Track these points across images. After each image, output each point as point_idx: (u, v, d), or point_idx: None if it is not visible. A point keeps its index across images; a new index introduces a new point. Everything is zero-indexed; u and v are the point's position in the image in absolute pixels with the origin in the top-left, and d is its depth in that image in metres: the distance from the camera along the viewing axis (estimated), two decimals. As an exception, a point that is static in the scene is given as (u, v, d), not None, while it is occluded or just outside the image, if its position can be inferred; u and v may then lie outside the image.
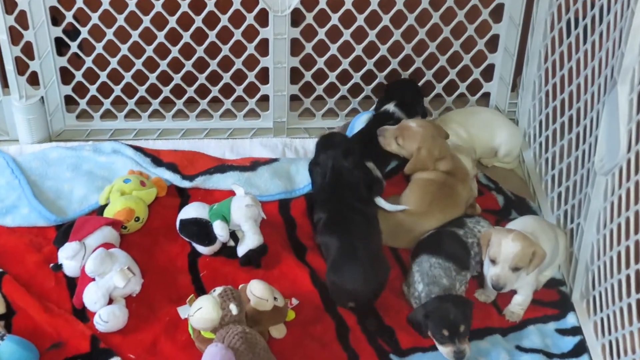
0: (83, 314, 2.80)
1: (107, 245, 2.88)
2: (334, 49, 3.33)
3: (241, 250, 2.94)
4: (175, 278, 2.95)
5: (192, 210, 3.01)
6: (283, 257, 2.98)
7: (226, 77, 3.41)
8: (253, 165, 3.32)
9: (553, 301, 2.92)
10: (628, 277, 2.45)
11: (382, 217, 2.97)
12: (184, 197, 3.26)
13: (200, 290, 2.88)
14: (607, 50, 2.63)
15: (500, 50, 3.38)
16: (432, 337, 2.62)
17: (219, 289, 2.64)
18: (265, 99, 3.47)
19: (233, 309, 2.56)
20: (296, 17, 3.27)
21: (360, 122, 3.38)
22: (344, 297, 2.77)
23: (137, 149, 3.42)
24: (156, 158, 3.38)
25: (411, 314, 2.68)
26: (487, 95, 3.54)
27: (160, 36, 3.28)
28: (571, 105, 2.99)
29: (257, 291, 2.68)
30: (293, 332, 2.75)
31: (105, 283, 2.77)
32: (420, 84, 3.44)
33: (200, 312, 2.60)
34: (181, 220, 3.00)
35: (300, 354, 2.69)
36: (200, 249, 2.99)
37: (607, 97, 2.54)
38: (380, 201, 3.00)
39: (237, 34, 3.29)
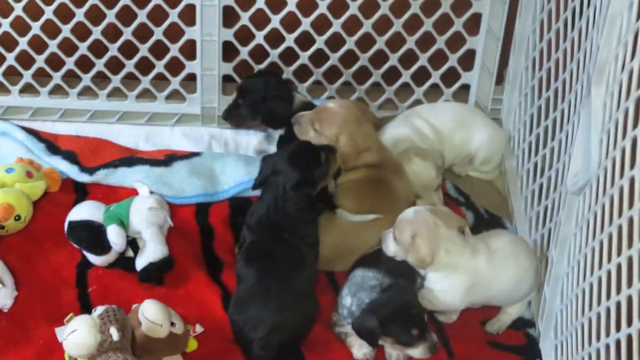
0: None
1: (-27, 248, 2.94)
2: (275, 21, 3.39)
3: (140, 263, 3.02)
4: (59, 292, 3.02)
5: (85, 211, 3.08)
6: (192, 273, 3.06)
7: (143, 50, 3.50)
8: (168, 159, 3.39)
9: (518, 346, 2.97)
10: (599, 316, 2.47)
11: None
12: (81, 193, 3.34)
13: (87, 309, 2.93)
14: (591, 41, 2.67)
15: (482, 32, 3.45)
16: (395, 343, 2.70)
17: (100, 309, 2.70)
18: (192, 78, 3.56)
19: (114, 333, 2.61)
20: (227, -21, 3.37)
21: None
22: (244, 343, 2.83)
23: (30, 132, 3.50)
24: (52, 144, 3.46)
25: (357, 321, 2.73)
26: (466, 88, 3.61)
27: (61, -5, 3.36)
28: (556, 106, 3.04)
29: (150, 314, 2.74)
30: (192, 367, 2.82)
31: (-35, 292, 2.83)
32: (383, 69, 3.51)
33: (75, 335, 2.66)
34: (70, 222, 3.07)
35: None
36: (92, 258, 3.06)
37: (584, 99, 2.58)
38: (342, 213, 3.05)
39: (157, -2, 3.37)
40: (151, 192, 3.11)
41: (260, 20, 3.43)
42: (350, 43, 3.47)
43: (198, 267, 3.08)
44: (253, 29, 3.44)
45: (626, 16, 2.34)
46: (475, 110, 3.54)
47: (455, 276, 2.79)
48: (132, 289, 3.01)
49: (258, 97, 3.31)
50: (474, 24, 3.44)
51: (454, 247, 2.76)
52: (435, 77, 3.57)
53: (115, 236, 3.00)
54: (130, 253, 3.09)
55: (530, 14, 3.30)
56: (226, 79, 3.58)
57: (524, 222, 3.26)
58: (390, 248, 2.80)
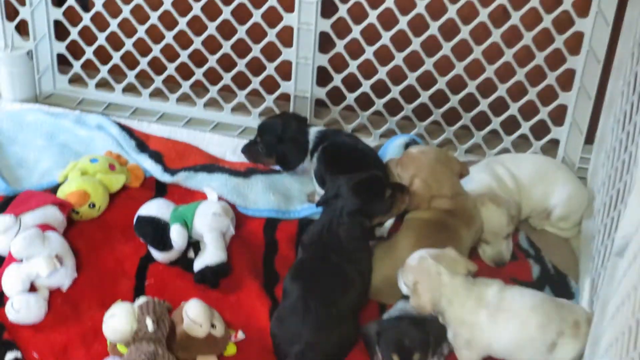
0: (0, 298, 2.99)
1: (44, 227, 3.07)
2: (369, 52, 3.43)
3: (197, 265, 3.09)
4: (117, 281, 3.12)
5: (154, 208, 3.18)
6: (246, 282, 3.10)
7: (241, 65, 3.59)
8: (248, 172, 3.48)
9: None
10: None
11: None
12: (159, 192, 3.45)
13: (140, 301, 3.02)
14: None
15: (575, 88, 3.39)
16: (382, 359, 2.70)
17: (142, 299, 2.78)
18: (286, 98, 3.62)
19: (149, 324, 2.69)
20: (328, 6, 3.43)
21: (394, 146, 3.48)
22: (281, 356, 2.85)
23: (125, 129, 3.65)
24: (142, 143, 3.59)
25: (366, 326, 2.77)
26: (555, 142, 3.54)
27: (167, 3, 3.50)
28: (628, 169, 2.96)
29: (192, 312, 2.81)
30: (225, 371, 2.87)
31: (28, 268, 2.96)
32: (473, 113, 3.52)
33: (113, 320, 2.76)
34: (138, 217, 3.17)
35: (221, 398, 2.78)
36: (155, 254, 3.15)
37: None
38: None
39: (257, 15, 3.48)
40: (220, 199, 3.18)
41: (354, 50, 3.47)
42: (441, 83, 3.47)
43: (254, 278, 3.12)
44: (347, 58, 3.48)
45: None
46: (560, 166, 3.48)
47: (456, 328, 2.76)
48: (187, 288, 3.07)
49: (273, 138, 3.37)
50: (567, 80, 3.39)
51: (455, 298, 2.72)
52: (525, 127, 3.53)
53: (176, 235, 3.08)
54: (191, 254, 3.16)
55: (621, 74, 3.23)
56: (318, 103, 3.64)
57: (585, 283, 3.18)
58: (403, 287, 2.80)
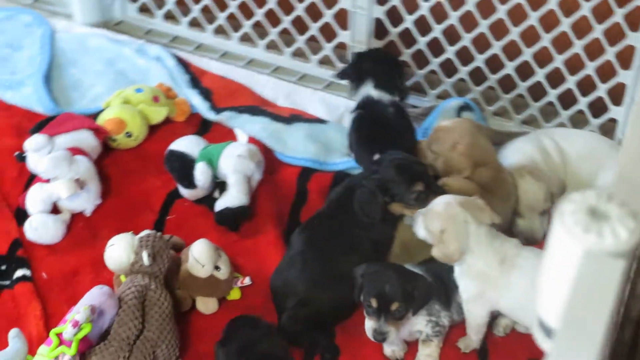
0: (23, 215, 3.03)
1: (76, 151, 3.10)
2: (425, 8, 3.32)
3: (218, 205, 3.06)
4: (140, 213, 3.13)
5: (184, 143, 3.17)
6: (266, 229, 3.06)
7: (299, 9, 3.50)
8: (291, 118, 3.42)
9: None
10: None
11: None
12: (202, 129, 3.43)
13: (158, 234, 3.02)
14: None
15: (635, 67, 3.17)
16: (362, 304, 2.61)
17: (144, 233, 2.77)
18: (344, 47, 3.53)
19: (144, 257, 2.68)
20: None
21: (447, 109, 3.37)
22: (277, 309, 2.80)
23: (181, 62, 3.64)
24: (196, 79, 3.58)
25: (356, 268, 2.65)
26: (613, 122, 3.34)
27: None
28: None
29: (196, 252, 2.79)
30: (224, 314, 2.81)
31: (50, 188, 3.00)
32: (528, 83, 3.34)
33: (111, 249, 2.78)
34: (168, 150, 3.16)
35: (212, 341, 2.67)
36: (182, 189, 3.15)
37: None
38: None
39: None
40: (251, 142, 3.13)
41: (411, 4, 3.35)
42: (496, 47, 3.31)
43: (275, 225, 3.07)
44: (404, 12, 3.36)
45: None
46: (613, 146, 3.24)
47: (469, 280, 2.62)
48: (206, 228, 3.06)
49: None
50: (626, 57, 3.18)
51: (477, 249, 2.58)
52: (582, 103, 3.33)
53: (200, 173, 3.05)
54: (217, 194, 3.13)
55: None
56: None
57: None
58: (420, 232, 2.66)
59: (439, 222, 2.58)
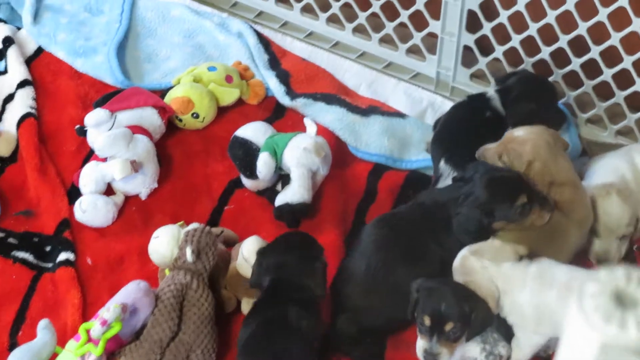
0: (77, 193, 2.90)
1: (137, 129, 2.95)
2: (521, 4, 3.01)
3: (279, 200, 2.87)
4: (198, 199, 2.97)
5: (250, 130, 2.97)
6: (327, 229, 2.84)
7: (389, -6, 3.26)
8: (369, 110, 3.19)
9: None
10: None
11: None
12: (277, 115, 3.24)
13: (213, 224, 2.85)
14: None
15: None
16: (416, 321, 2.41)
17: (193, 226, 2.59)
18: (434, 38, 3.27)
19: (188, 253, 2.51)
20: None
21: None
22: (333, 313, 2.59)
23: (263, 41, 3.45)
24: (275, 59, 3.39)
25: (413, 281, 2.45)
26: None
27: None
28: None
29: (246, 250, 2.60)
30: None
31: (105, 168, 2.86)
32: (627, 92, 3.02)
33: (155, 241, 2.63)
34: (234, 136, 2.97)
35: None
36: (244, 179, 2.96)
37: None
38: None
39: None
40: (317, 134, 2.91)
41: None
42: (594, 52, 2.98)
43: (337, 225, 2.86)
44: (498, 6, 3.08)
45: None
46: None
47: (518, 316, 2.40)
48: (265, 221, 2.88)
49: None
50: None
51: (509, 286, 2.36)
52: (693, 119, 3.02)
53: (262, 164, 2.85)
54: (280, 187, 2.94)
55: None
56: (467, 50, 3.25)
57: None
58: None
59: (461, 277, 2.42)
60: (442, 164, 2.81)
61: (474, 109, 2.93)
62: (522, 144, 2.65)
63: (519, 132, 2.68)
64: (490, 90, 2.94)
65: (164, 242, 2.58)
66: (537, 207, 2.49)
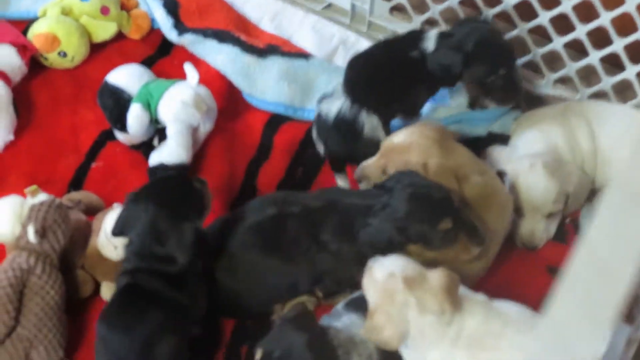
0: None
1: (-8, 73, 2.51)
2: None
3: (153, 159, 2.48)
4: (63, 154, 2.61)
5: (124, 75, 2.55)
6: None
7: None
8: (267, 49, 2.76)
9: None
10: None
11: None
12: (162, 52, 2.83)
13: (76, 186, 2.48)
14: None
15: None
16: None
17: (40, 198, 2.16)
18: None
19: (29, 233, 2.09)
20: None
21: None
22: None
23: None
24: (168, -12, 2.92)
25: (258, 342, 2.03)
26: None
27: None
28: None
29: (111, 227, 2.17)
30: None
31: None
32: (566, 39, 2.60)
33: (-5, 217, 2.19)
34: (105, 82, 2.55)
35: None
36: (116, 132, 2.55)
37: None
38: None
39: None
40: (198, 84, 2.47)
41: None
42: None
43: (223, 189, 2.48)
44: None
45: None
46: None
47: None
48: (138, 182, 2.42)
49: None
50: None
51: (421, 341, 1.88)
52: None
53: (132, 118, 2.44)
54: (156, 142, 2.53)
55: None
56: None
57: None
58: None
59: (374, 294, 1.93)
60: None
61: (399, 49, 2.48)
62: (405, 150, 2.23)
63: (398, 138, 2.26)
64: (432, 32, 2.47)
65: (4, 217, 2.15)
66: (464, 237, 2.08)
